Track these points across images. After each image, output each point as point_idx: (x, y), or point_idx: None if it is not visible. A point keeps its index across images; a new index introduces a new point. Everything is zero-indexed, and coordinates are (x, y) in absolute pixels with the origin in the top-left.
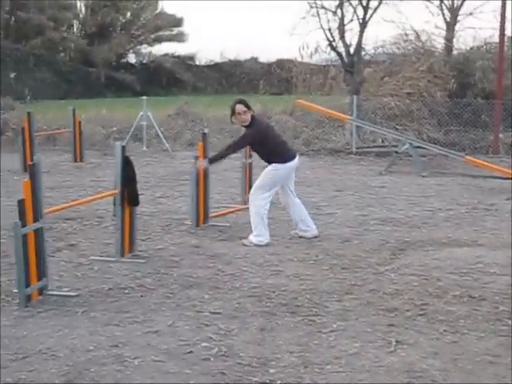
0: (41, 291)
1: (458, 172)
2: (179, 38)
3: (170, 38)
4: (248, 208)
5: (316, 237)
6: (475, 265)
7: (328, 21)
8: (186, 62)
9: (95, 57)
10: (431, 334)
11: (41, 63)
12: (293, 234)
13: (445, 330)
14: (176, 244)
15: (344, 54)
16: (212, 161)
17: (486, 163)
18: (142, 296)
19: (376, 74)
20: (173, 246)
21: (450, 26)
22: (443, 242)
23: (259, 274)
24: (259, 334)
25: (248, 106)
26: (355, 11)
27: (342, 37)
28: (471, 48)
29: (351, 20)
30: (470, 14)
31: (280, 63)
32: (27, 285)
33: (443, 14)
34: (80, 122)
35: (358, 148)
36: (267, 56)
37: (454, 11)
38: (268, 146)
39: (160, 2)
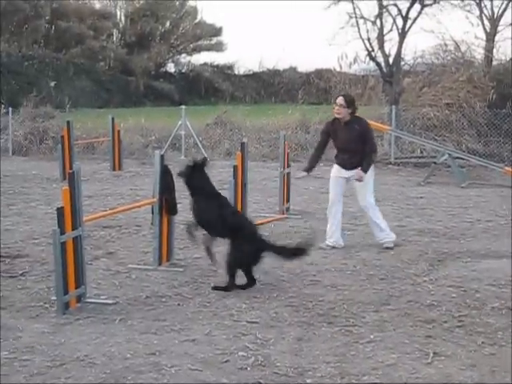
0: (79, 299)
1: (497, 183)
2: (218, 47)
3: (209, 48)
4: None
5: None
6: None
7: (367, 31)
8: (225, 71)
9: (134, 66)
10: (469, 345)
11: (80, 72)
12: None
13: (483, 342)
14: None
15: (383, 64)
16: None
17: None
18: (179, 305)
19: (415, 84)
20: None
21: (490, 36)
22: (482, 254)
23: (296, 284)
24: (296, 344)
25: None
26: (394, 21)
27: (381, 47)
28: (511, 59)
29: (390, 30)
30: (510, 24)
31: (319, 73)
32: (65, 292)
33: (483, 25)
34: (119, 131)
35: (396, 158)
36: (306, 66)
37: (494, 21)
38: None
39: (199, 12)
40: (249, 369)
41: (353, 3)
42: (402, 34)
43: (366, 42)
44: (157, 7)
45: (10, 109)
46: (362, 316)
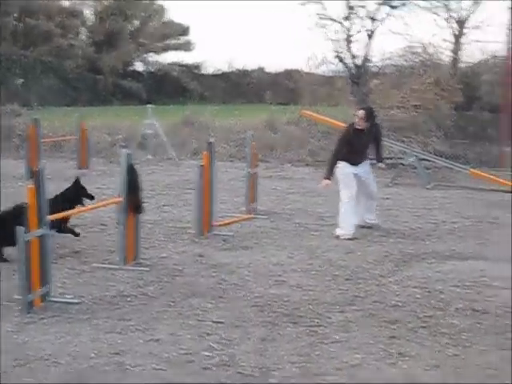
0: (43, 298)
1: (463, 185)
2: (186, 46)
3: (177, 47)
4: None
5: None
6: (478, 278)
7: (336, 32)
8: (193, 70)
9: (102, 64)
10: (433, 346)
11: (48, 70)
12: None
13: (447, 343)
14: (179, 253)
15: (351, 66)
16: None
17: (490, 176)
18: (144, 304)
19: (383, 85)
20: (176, 254)
21: (458, 39)
22: (447, 255)
23: (262, 284)
24: (261, 344)
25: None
26: (362, 23)
27: (349, 48)
28: (479, 61)
29: (359, 31)
30: (477, 27)
31: (287, 73)
32: (30, 291)
33: (451, 27)
34: (86, 130)
35: None
36: (275, 66)
37: (462, 24)
38: None
39: (167, 11)
40: (213, 369)
41: (321, 4)
42: (370, 36)
43: (334, 43)
44: (125, 6)
45: None
46: (327, 316)
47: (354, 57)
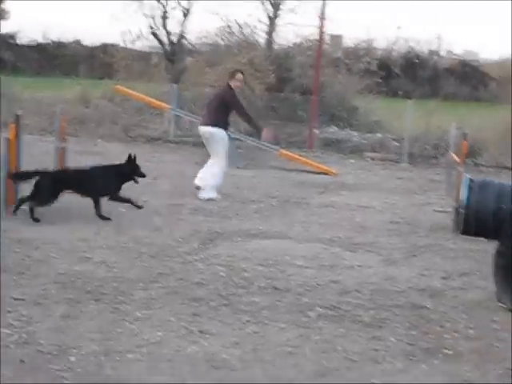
0: None
1: (272, 165)
2: (1, 15)
3: None
4: None
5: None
6: (282, 257)
7: (151, 7)
8: (7, 40)
9: None
10: (234, 324)
11: None
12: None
13: (247, 321)
14: None
15: (166, 42)
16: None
17: (298, 157)
18: None
19: (198, 64)
20: None
21: (273, 20)
22: (252, 234)
23: (67, 261)
24: (62, 322)
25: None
26: (179, 0)
27: (164, 25)
28: (293, 44)
29: (174, 8)
30: (291, 10)
31: (104, 48)
32: None
33: (266, 9)
34: None
35: (175, 137)
36: (92, 39)
37: (277, 6)
38: None
39: None
40: (12, 347)
41: None
42: (186, 14)
43: (150, 19)
44: None
45: None
46: (130, 293)
47: (169, 34)
